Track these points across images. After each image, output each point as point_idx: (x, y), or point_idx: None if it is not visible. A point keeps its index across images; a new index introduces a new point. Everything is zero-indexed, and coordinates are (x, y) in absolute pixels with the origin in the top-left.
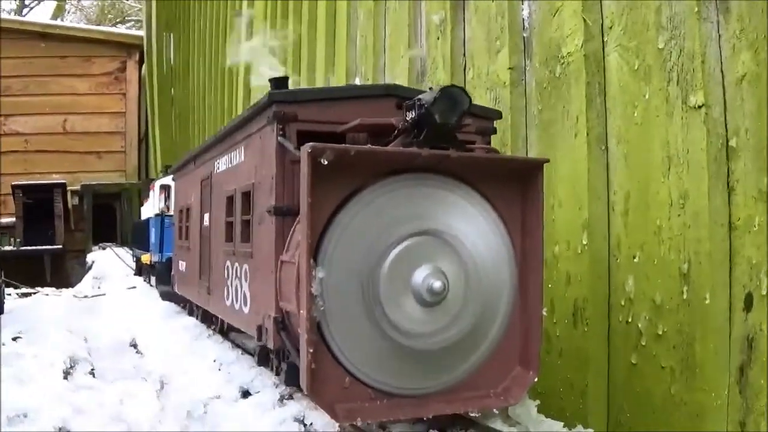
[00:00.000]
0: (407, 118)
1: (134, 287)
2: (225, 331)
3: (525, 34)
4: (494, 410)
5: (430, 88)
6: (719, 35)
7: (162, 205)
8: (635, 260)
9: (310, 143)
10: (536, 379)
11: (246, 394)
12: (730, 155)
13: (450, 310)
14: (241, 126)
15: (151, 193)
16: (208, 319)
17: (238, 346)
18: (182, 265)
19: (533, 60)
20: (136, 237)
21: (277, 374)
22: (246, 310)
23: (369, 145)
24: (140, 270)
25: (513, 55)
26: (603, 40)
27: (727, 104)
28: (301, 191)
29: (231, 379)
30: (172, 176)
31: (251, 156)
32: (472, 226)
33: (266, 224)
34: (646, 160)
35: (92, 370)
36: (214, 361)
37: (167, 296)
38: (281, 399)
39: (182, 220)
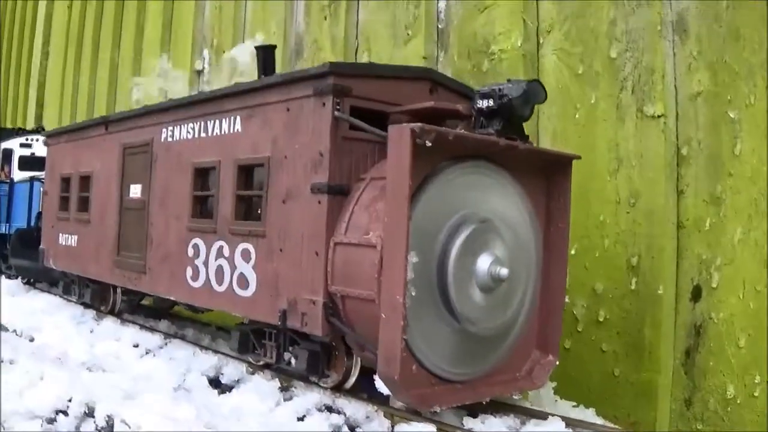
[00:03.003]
0: (483, 106)
1: None
2: (118, 312)
3: (440, 26)
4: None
5: (509, 80)
6: (674, 53)
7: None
8: (572, 252)
9: (414, 124)
10: (557, 363)
11: (214, 382)
12: (680, 162)
13: (502, 295)
14: (240, 94)
15: None
16: (98, 299)
17: (147, 328)
18: (69, 239)
19: (449, 52)
20: None
21: (277, 361)
22: (246, 293)
23: (462, 130)
24: None
25: (427, 44)
26: (538, 42)
27: (680, 116)
28: (394, 173)
29: (189, 368)
30: (31, 140)
31: (265, 127)
32: (514, 213)
33: (305, 202)
34: (589, 159)
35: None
36: (136, 345)
37: (28, 272)
38: (283, 389)
39: (69, 189)
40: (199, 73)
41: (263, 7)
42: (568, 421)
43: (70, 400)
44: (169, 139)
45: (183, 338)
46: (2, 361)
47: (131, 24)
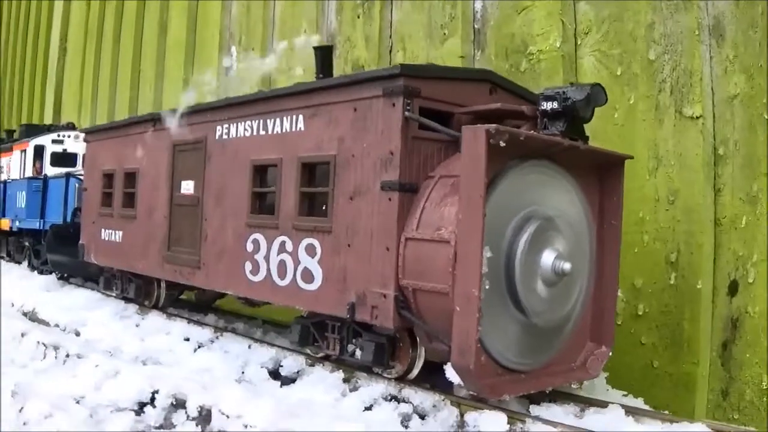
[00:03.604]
0: (547, 108)
1: None
2: (162, 306)
3: (476, 26)
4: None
5: (571, 83)
6: (711, 56)
7: (31, 166)
8: None
9: (489, 125)
10: (610, 354)
11: (273, 374)
12: (717, 161)
13: (563, 288)
14: (303, 93)
15: (18, 153)
16: (142, 294)
17: (195, 322)
18: (113, 235)
19: (486, 51)
20: None
21: (340, 353)
22: (311, 286)
23: (532, 131)
24: None
25: (464, 44)
26: (576, 43)
27: (716, 117)
28: (468, 172)
29: (246, 360)
30: (63, 136)
31: (330, 126)
32: (572, 210)
33: (374, 199)
34: None
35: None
36: (187, 339)
37: (64, 267)
38: (345, 380)
39: (112, 185)
40: (227, 70)
41: (293, 5)
42: (627, 409)
43: (156, 392)
44: (225, 137)
45: (234, 332)
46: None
47: (154, 21)
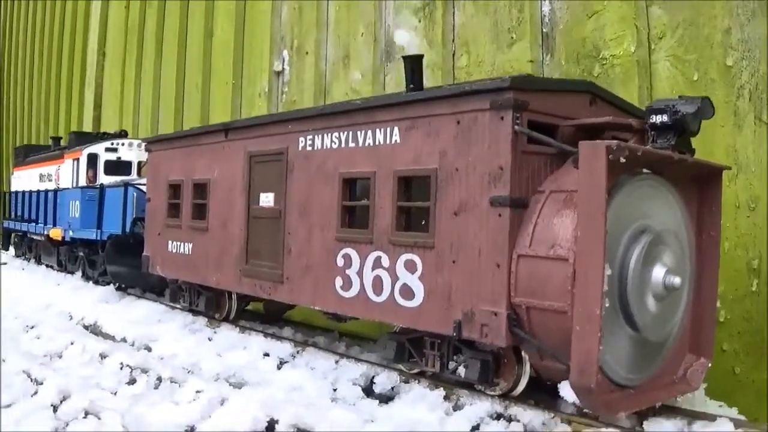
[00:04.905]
0: (657, 122)
1: (5, 263)
2: (233, 319)
3: (545, 29)
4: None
5: (680, 97)
6: None
7: (85, 175)
8: None
9: (608, 141)
10: (710, 365)
11: (367, 390)
12: None
13: (671, 302)
14: (399, 105)
15: (70, 162)
16: (213, 306)
17: (272, 336)
18: (181, 247)
19: (555, 56)
20: (16, 207)
21: (441, 370)
22: (412, 303)
23: (647, 146)
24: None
25: (533, 48)
26: (650, 48)
27: None
28: (587, 188)
29: (336, 377)
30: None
31: (429, 139)
32: (676, 222)
33: (482, 215)
34: None
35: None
36: (267, 354)
37: (124, 278)
38: (448, 397)
39: (180, 196)
40: (278, 74)
41: (348, 8)
42: (736, 423)
43: (276, 421)
44: (309, 148)
45: (315, 346)
46: None
47: (199, 22)
